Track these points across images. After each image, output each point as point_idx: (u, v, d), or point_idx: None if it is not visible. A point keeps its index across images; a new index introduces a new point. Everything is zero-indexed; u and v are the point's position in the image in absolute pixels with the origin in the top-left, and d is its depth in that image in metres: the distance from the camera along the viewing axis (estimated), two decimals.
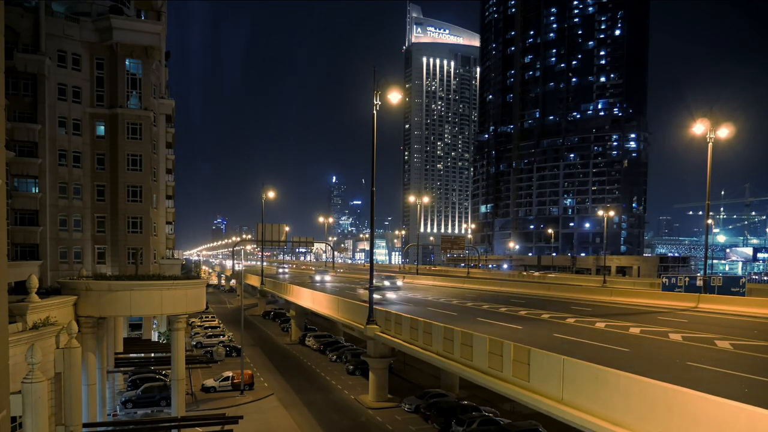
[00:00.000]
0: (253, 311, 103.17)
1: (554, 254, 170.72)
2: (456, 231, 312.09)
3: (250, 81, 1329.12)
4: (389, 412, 39.24)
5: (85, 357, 26.85)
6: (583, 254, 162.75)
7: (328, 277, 79.07)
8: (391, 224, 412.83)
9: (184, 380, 33.61)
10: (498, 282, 73.19)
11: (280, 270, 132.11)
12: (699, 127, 41.64)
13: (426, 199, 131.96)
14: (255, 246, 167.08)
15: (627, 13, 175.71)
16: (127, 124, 45.78)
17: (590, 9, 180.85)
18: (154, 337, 54.67)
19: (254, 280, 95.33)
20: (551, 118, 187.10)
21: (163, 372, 42.24)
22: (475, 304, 45.37)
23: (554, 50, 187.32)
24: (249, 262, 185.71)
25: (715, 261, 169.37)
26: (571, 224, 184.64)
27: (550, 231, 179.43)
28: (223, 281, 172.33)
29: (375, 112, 34.16)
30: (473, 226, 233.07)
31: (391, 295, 51.73)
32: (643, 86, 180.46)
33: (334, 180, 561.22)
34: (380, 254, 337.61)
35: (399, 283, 57.06)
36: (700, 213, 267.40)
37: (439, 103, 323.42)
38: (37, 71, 41.51)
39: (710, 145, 41.45)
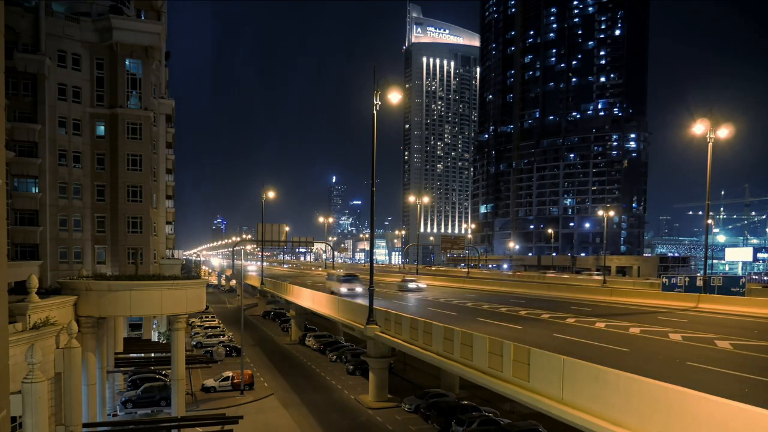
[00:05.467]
0: (253, 311, 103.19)
1: (554, 254, 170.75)
2: (456, 231, 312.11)
3: (251, 81, 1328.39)
4: (389, 412, 39.24)
5: (85, 357, 26.85)
6: (583, 254, 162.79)
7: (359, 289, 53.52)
8: (391, 224, 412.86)
9: (184, 380, 33.61)
10: (498, 282, 73.18)
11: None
12: (699, 127, 41.66)
13: (426, 199, 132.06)
14: (255, 246, 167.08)
15: (627, 13, 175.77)
16: (127, 124, 45.77)
17: (590, 9, 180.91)
18: (154, 337, 54.65)
19: (254, 280, 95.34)
20: (551, 118, 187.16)
21: (163, 372, 42.22)
22: (475, 304, 45.37)
23: (554, 50, 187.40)
24: (249, 262, 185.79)
25: (715, 261, 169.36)
26: (571, 224, 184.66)
27: (550, 231, 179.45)
28: (223, 281, 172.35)
29: (375, 112, 34.16)
30: (473, 226, 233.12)
31: None
32: (643, 86, 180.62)
33: (334, 180, 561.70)
34: (380, 254, 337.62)
35: None
36: (700, 213, 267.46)
37: (439, 103, 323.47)
38: (37, 71, 41.52)
39: (710, 145, 41.46)
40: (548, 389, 18.69)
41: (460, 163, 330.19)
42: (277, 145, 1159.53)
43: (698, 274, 58.82)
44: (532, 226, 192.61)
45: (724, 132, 41.07)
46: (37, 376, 18.72)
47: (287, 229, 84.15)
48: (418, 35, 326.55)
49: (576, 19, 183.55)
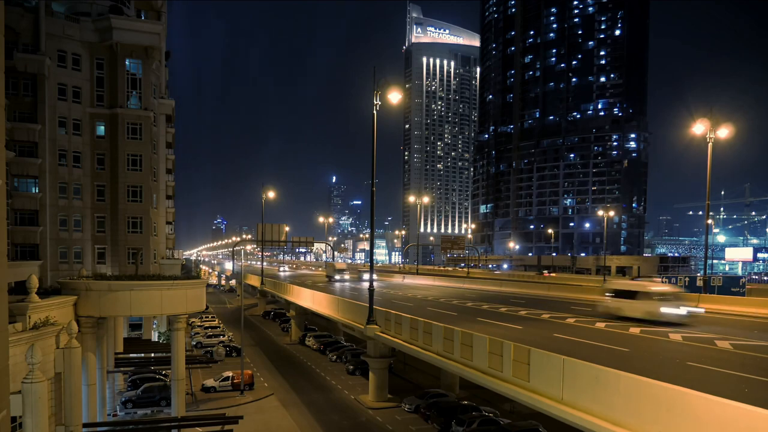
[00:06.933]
0: (253, 311, 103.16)
1: (554, 254, 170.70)
2: (456, 231, 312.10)
3: (251, 81, 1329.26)
4: (389, 412, 39.23)
5: (85, 357, 26.85)
6: (583, 254, 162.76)
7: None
8: (391, 224, 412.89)
9: (184, 380, 33.61)
10: (498, 282, 73.18)
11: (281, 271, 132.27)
12: (699, 127, 41.66)
13: (426, 199, 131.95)
14: (255, 246, 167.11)
15: (627, 13, 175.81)
16: (127, 124, 45.78)
17: (590, 9, 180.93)
18: (154, 337, 54.65)
19: (254, 280, 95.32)
20: (551, 118, 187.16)
21: (163, 372, 42.22)
22: (475, 304, 45.36)
23: (554, 50, 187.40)
24: (249, 262, 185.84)
25: (715, 261, 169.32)
26: (571, 224, 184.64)
27: (550, 231, 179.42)
28: (223, 281, 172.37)
29: (375, 112, 34.16)
30: (473, 226, 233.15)
31: None
32: (643, 86, 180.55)
33: (334, 180, 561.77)
34: (380, 254, 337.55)
35: None
36: (700, 213, 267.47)
37: (439, 103, 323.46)
38: (37, 71, 41.51)
39: (710, 145, 41.47)
40: (548, 389, 18.68)
41: (460, 163, 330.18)
42: (277, 145, 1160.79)
43: (698, 274, 58.83)
44: (532, 226, 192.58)
45: (724, 132, 41.08)
46: (37, 376, 18.71)
47: (287, 229, 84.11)
48: (418, 35, 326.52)
49: (576, 19, 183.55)
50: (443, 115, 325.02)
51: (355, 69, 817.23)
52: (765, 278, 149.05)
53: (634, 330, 29.65)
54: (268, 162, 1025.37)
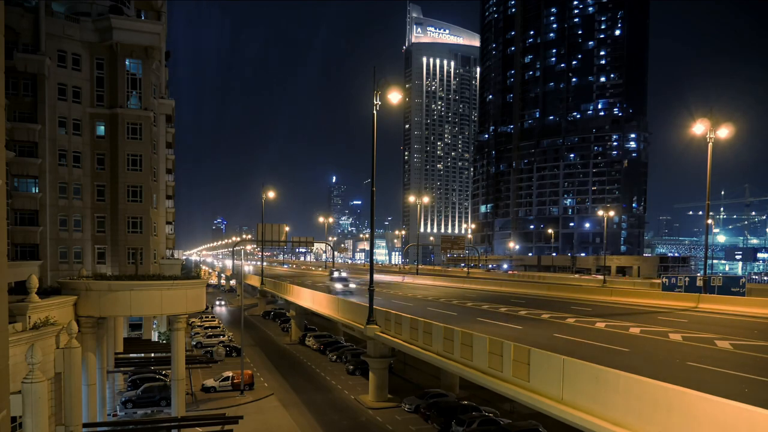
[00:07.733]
0: (253, 311, 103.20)
1: (554, 254, 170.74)
2: (456, 231, 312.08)
3: (251, 81, 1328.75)
4: (389, 412, 39.24)
5: (85, 357, 26.85)
6: (583, 254, 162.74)
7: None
8: (391, 224, 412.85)
9: (184, 380, 33.62)
10: (498, 282, 73.21)
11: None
12: (699, 128, 41.69)
13: (426, 199, 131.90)
14: (255, 246, 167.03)
15: (627, 14, 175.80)
16: (127, 124, 45.76)
17: (590, 9, 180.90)
18: (154, 337, 54.66)
19: (254, 280, 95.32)
20: (551, 118, 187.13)
21: (163, 372, 42.23)
22: (475, 304, 45.38)
23: (554, 50, 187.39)
24: (249, 262, 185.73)
25: (715, 261, 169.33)
26: (571, 224, 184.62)
27: (550, 231, 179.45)
28: (223, 281, 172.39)
29: (375, 112, 34.17)
30: (473, 226, 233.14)
31: None
32: (643, 86, 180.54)
33: (334, 180, 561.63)
34: (380, 254, 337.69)
35: None
36: (700, 213, 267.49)
37: (439, 103, 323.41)
38: (37, 71, 41.48)
39: (710, 145, 41.48)
40: (548, 389, 18.68)
41: (460, 163, 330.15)
42: (277, 145, 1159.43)
43: (698, 274, 58.84)
44: (532, 226, 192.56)
45: (724, 132, 41.10)
46: (37, 376, 18.71)
47: (287, 229, 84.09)
48: (418, 35, 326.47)
49: (576, 19, 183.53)
50: (443, 115, 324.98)
51: (355, 69, 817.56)
52: (765, 278, 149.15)
53: (635, 330, 29.66)
54: (268, 162, 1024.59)
